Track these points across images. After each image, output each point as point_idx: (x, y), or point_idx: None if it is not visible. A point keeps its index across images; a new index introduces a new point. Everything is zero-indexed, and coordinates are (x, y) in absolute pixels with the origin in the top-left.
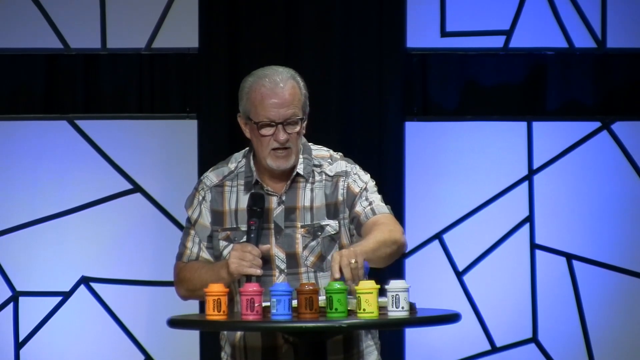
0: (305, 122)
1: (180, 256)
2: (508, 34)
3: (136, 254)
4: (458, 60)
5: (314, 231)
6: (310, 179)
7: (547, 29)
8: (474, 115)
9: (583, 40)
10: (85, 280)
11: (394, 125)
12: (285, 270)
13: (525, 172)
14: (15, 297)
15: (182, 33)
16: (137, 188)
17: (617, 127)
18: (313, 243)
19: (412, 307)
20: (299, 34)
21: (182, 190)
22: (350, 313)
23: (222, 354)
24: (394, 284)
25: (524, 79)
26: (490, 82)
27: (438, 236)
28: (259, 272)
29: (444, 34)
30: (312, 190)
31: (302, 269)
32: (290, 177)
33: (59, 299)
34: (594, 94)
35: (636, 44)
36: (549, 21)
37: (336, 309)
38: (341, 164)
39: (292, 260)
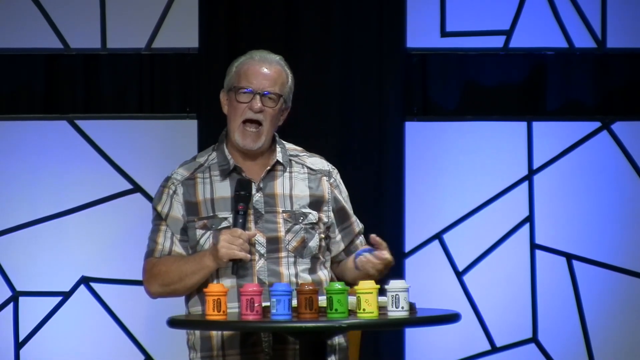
0: (285, 114)
1: (150, 253)
2: (508, 34)
3: (136, 254)
4: (458, 60)
5: (296, 216)
6: (289, 167)
7: (547, 29)
8: (474, 115)
9: (583, 40)
10: (85, 280)
11: (394, 125)
12: (265, 255)
13: (525, 172)
14: (15, 297)
15: (182, 33)
16: (137, 188)
17: (617, 127)
18: (296, 227)
19: (412, 307)
20: (299, 34)
21: None
22: (350, 313)
23: (192, 354)
24: (394, 284)
25: (524, 79)
26: (490, 82)
27: (438, 236)
28: (248, 256)
29: (444, 34)
30: (290, 178)
31: (283, 254)
32: (269, 164)
33: (59, 299)
34: (594, 94)
35: (636, 44)
36: (549, 21)
37: (336, 310)
38: (321, 161)
39: (273, 244)
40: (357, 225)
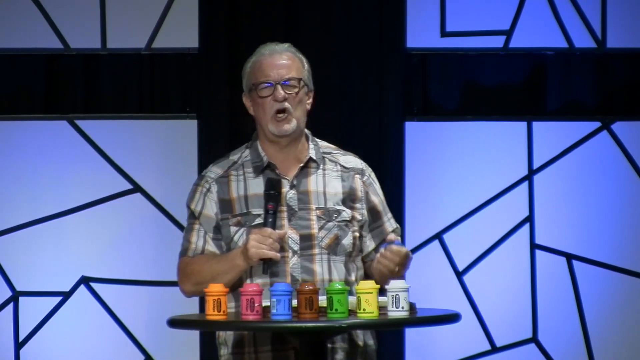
0: (310, 97)
1: (184, 252)
2: (508, 34)
3: (136, 254)
4: (458, 60)
5: (330, 213)
6: (322, 165)
7: (547, 29)
8: (474, 115)
9: (583, 40)
10: (85, 280)
11: (394, 125)
12: (299, 252)
13: (525, 172)
14: (15, 297)
15: (182, 33)
16: (137, 188)
17: (617, 127)
18: (330, 224)
19: (412, 307)
20: (299, 34)
21: (182, 190)
22: (351, 313)
23: (223, 350)
24: (394, 284)
25: (524, 79)
26: (490, 82)
27: (438, 236)
28: (278, 255)
29: (444, 34)
30: (324, 176)
31: (316, 251)
32: (302, 161)
33: (59, 299)
34: (594, 94)
35: (636, 44)
36: (549, 21)
37: (336, 310)
38: (355, 159)
39: (306, 241)
40: (390, 224)
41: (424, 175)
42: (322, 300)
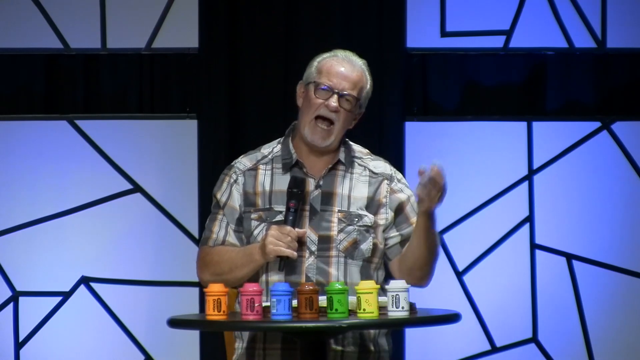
0: (358, 117)
1: (205, 241)
2: (508, 34)
3: (136, 254)
4: (458, 60)
5: (351, 217)
6: (351, 168)
7: (547, 29)
8: (474, 115)
9: (583, 40)
10: (85, 280)
11: (394, 125)
12: (316, 253)
13: (525, 172)
14: (15, 297)
15: (182, 33)
16: (137, 188)
17: (617, 127)
18: (350, 228)
19: (412, 307)
20: (299, 34)
21: (182, 190)
22: (351, 313)
23: (238, 343)
24: (394, 284)
25: (524, 79)
26: (490, 82)
27: None
28: (295, 254)
29: (444, 34)
30: (351, 179)
31: (334, 253)
32: (331, 162)
33: (59, 299)
34: (594, 94)
35: (636, 44)
36: (549, 21)
37: (336, 310)
38: (384, 165)
39: (325, 243)
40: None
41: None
42: (322, 300)
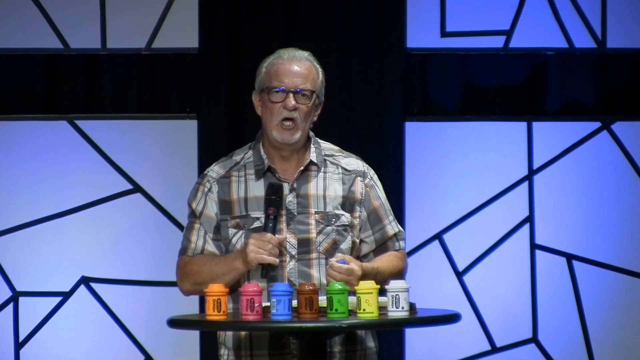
0: (319, 109)
1: (184, 250)
2: (508, 34)
3: (136, 254)
4: (458, 60)
5: (329, 218)
6: (323, 168)
7: (547, 29)
8: (474, 115)
9: (583, 40)
10: (85, 280)
11: (394, 125)
12: (296, 256)
13: (525, 172)
14: (15, 297)
15: (182, 33)
16: (137, 188)
17: (617, 127)
18: (328, 229)
19: (412, 307)
20: (299, 34)
21: (182, 190)
22: (351, 313)
23: (223, 350)
24: (394, 284)
25: (524, 79)
26: (490, 82)
27: (438, 236)
28: (277, 261)
29: (444, 34)
30: (324, 179)
31: (314, 255)
32: (303, 164)
33: (59, 299)
34: (594, 94)
35: (636, 44)
36: (549, 21)
37: (336, 310)
38: (357, 162)
39: (304, 246)
40: (392, 228)
41: (424, 175)
42: (322, 301)
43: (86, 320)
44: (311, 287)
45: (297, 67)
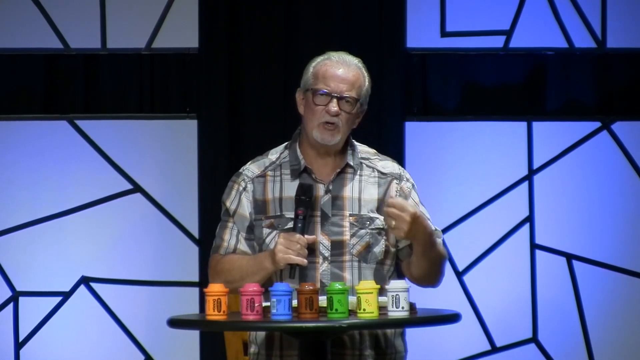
0: (360, 116)
1: (217, 249)
2: (508, 34)
3: (136, 254)
4: (458, 60)
5: (363, 221)
6: (359, 171)
7: (547, 29)
8: (474, 115)
9: (583, 40)
10: (85, 280)
11: (394, 125)
12: (329, 258)
13: (525, 172)
14: (15, 297)
15: (182, 33)
16: (137, 188)
17: (617, 127)
18: (362, 232)
19: (412, 307)
20: (299, 34)
21: (182, 190)
22: (351, 313)
23: (253, 348)
24: (394, 284)
25: (524, 79)
26: (490, 82)
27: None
28: (305, 261)
29: (444, 34)
30: (360, 182)
31: (347, 257)
32: (339, 167)
33: (59, 299)
34: (594, 94)
35: (636, 44)
36: (549, 21)
37: (336, 310)
38: (392, 165)
39: (338, 248)
40: (431, 225)
41: (424, 175)
42: (322, 300)
43: (86, 320)
44: (311, 287)
45: (345, 73)
